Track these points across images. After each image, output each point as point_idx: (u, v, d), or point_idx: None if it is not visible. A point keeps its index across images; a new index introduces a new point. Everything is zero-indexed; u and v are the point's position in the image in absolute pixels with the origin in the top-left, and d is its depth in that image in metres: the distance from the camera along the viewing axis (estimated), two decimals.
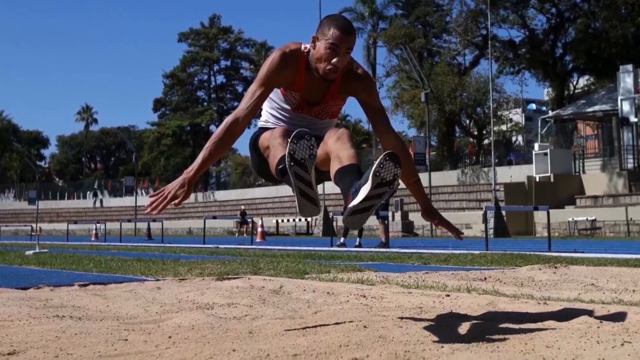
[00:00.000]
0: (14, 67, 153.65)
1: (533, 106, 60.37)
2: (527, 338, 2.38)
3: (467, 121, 46.92)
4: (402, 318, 3.09)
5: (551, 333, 2.45)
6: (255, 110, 2.98)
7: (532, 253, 9.47)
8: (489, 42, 35.39)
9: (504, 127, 49.73)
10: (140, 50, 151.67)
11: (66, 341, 2.59)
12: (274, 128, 3.01)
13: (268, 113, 3.19)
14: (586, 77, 47.04)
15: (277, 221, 41.11)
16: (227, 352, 2.23)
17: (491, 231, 23.68)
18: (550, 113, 41.12)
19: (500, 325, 2.77)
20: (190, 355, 2.21)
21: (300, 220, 39.96)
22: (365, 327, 2.72)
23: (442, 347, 2.22)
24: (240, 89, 74.16)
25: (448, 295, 3.98)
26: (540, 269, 6.12)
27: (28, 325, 3.05)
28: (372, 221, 21.40)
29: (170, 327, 3.03)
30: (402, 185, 3.15)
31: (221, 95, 75.90)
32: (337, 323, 2.94)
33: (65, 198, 65.82)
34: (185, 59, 73.87)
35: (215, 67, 75.39)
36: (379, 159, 2.46)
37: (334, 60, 2.85)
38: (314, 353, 2.20)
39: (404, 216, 30.17)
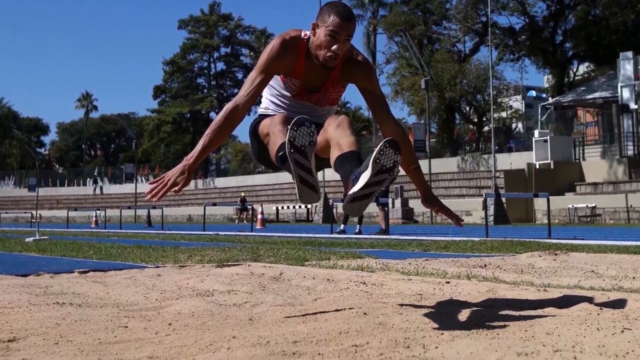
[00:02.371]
0: (13, 54, 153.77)
1: (533, 93, 60.23)
2: (527, 325, 2.38)
3: (467, 108, 46.86)
4: (402, 305, 3.09)
5: (551, 320, 2.45)
6: (255, 97, 2.97)
7: (532, 240, 9.46)
8: (489, 29, 35.23)
9: (504, 114, 49.63)
10: (140, 37, 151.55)
11: (66, 328, 2.60)
12: (274, 115, 3.00)
13: (268, 100, 3.18)
14: (586, 64, 46.91)
15: (277, 208, 41.12)
16: (227, 339, 2.23)
17: (491, 218, 23.66)
18: (550, 100, 41.02)
19: (500, 312, 2.77)
20: (191, 342, 2.21)
21: (300, 207, 39.97)
22: (365, 314, 2.72)
23: (442, 334, 2.23)
24: (240, 76, 74.03)
25: (448, 282, 3.99)
26: (540, 256, 6.12)
27: (28, 312, 3.05)
28: (372, 208, 21.40)
29: (170, 314, 3.03)
30: (402, 172, 3.14)
31: (221, 82, 75.81)
32: (337, 310, 2.95)
33: (65, 185, 65.82)
34: (185, 46, 73.74)
35: (215, 54, 75.36)
36: (379, 146, 2.46)
37: (334, 47, 2.84)
38: (314, 340, 2.20)
39: (404, 203, 30.17)
